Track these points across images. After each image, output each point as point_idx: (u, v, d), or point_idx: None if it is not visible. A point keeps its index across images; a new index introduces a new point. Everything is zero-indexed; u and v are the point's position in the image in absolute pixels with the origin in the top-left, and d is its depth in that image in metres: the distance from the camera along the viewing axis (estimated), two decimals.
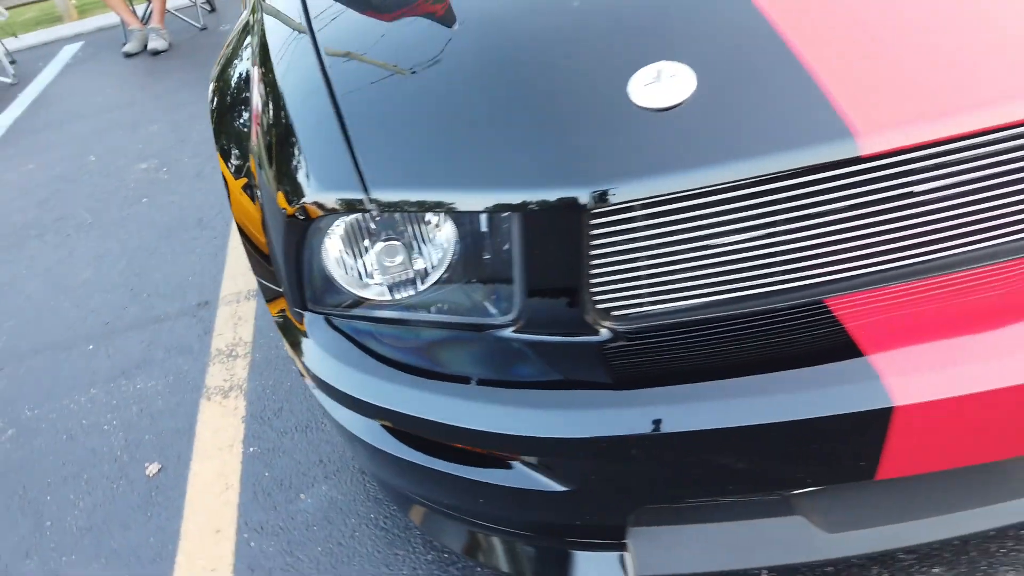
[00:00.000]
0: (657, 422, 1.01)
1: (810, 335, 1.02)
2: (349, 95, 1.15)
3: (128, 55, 5.62)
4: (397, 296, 1.18)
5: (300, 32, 1.36)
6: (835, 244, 1.01)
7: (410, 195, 1.02)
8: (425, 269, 1.14)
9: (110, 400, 2.23)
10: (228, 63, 1.70)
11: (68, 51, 6.24)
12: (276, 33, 1.44)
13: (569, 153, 0.96)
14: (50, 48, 6.44)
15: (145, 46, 5.59)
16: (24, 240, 3.34)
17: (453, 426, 1.08)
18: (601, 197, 0.93)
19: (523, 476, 1.10)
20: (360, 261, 1.16)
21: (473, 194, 0.98)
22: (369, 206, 1.04)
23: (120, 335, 2.52)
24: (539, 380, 1.07)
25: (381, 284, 1.17)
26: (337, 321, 1.21)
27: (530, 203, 0.96)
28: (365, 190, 1.04)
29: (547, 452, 1.03)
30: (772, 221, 0.99)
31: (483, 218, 1.05)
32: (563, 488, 1.09)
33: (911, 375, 0.96)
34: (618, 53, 1.01)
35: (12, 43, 6.51)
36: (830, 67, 0.95)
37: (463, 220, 1.07)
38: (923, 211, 0.99)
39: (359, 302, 1.19)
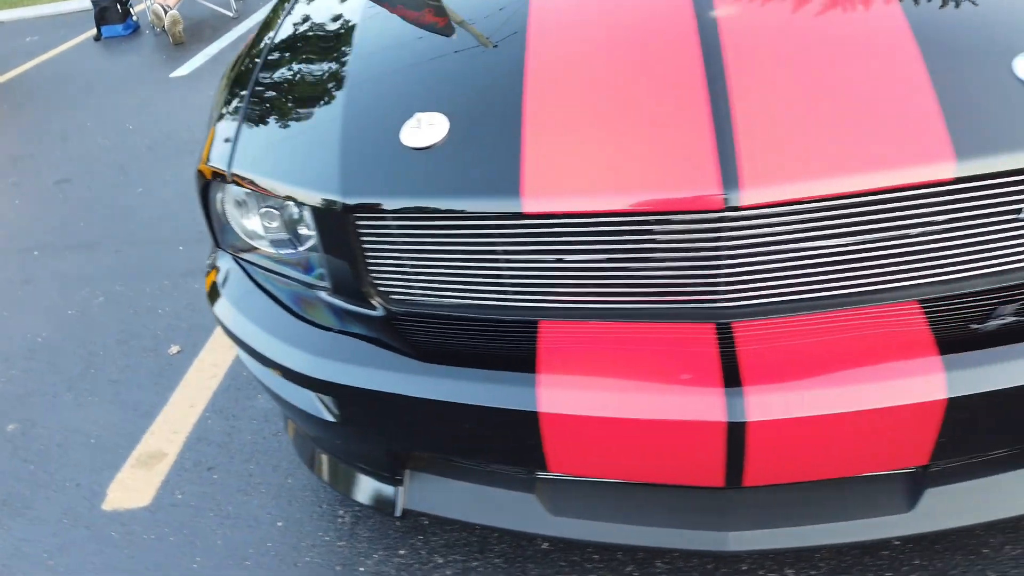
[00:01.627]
0: (388, 384, 1.31)
1: (515, 344, 1.28)
2: (257, 93, 1.52)
3: None
4: (279, 252, 1.55)
5: (271, 24, 1.75)
6: (548, 278, 1.26)
7: (253, 177, 1.38)
8: (299, 236, 1.50)
9: (173, 292, 2.81)
10: None
11: None
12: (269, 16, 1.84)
13: (347, 172, 1.28)
14: None
15: None
16: (182, 154, 4.06)
17: (259, 352, 1.45)
18: (359, 205, 1.25)
19: (311, 403, 1.45)
20: (249, 219, 1.54)
21: (285, 187, 1.33)
22: (229, 178, 1.42)
23: (205, 244, 3.10)
24: (349, 332, 1.40)
25: (266, 239, 1.55)
26: (243, 264, 1.60)
27: (316, 201, 1.30)
28: (229, 166, 1.42)
29: (307, 385, 1.38)
30: (490, 249, 1.25)
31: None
32: (331, 419, 1.42)
33: (558, 389, 1.20)
34: (403, 102, 1.31)
35: None
36: (540, 139, 1.19)
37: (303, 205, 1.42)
38: (600, 266, 1.21)
39: (252, 249, 1.57)
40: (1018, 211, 1.14)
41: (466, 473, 1.52)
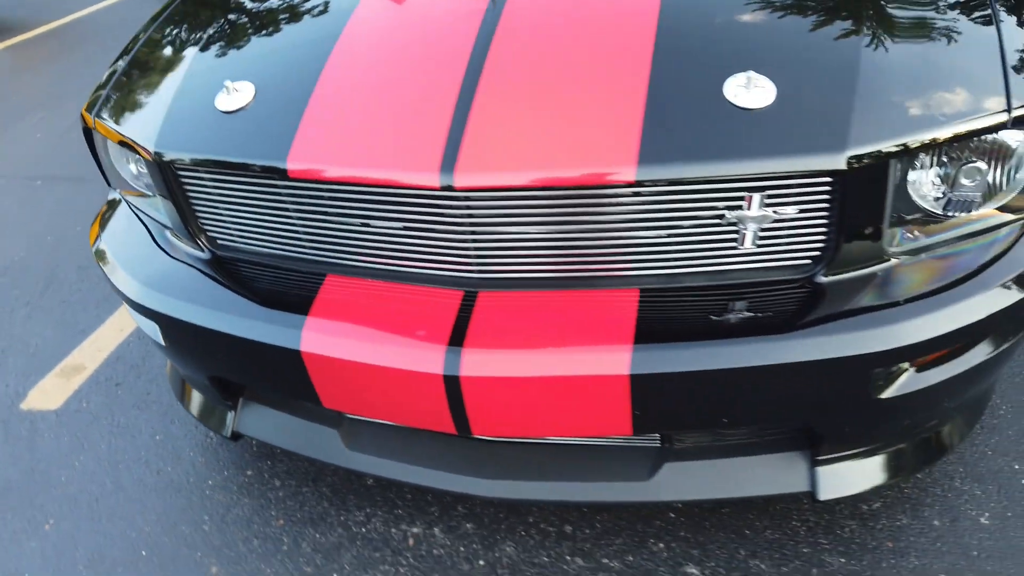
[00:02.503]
0: (190, 314, 1.50)
1: (302, 291, 1.46)
2: (136, 56, 1.73)
3: None
4: (151, 194, 1.76)
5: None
6: (326, 235, 1.43)
7: (108, 124, 1.59)
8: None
9: None
10: None
11: None
12: None
13: (166, 129, 1.47)
14: None
15: None
16: None
17: (110, 279, 1.66)
18: (173, 159, 1.45)
19: (151, 327, 1.66)
20: (131, 164, 1.76)
21: (126, 136, 1.53)
22: (92, 123, 1.63)
23: None
24: (193, 266, 1.60)
25: (141, 182, 1.76)
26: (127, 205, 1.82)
27: (140, 150, 1.49)
28: (96, 113, 1.63)
29: (136, 309, 1.58)
30: (282, 205, 1.43)
31: None
32: (162, 342, 1.63)
33: (317, 333, 1.37)
34: (224, 71, 1.49)
35: None
36: (319, 110, 1.36)
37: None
38: (376, 230, 1.38)
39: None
40: (721, 217, 1.26)
41: (286, 405, 1.72)
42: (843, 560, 1.57)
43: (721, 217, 1.26)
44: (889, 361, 1.25)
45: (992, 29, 1.34)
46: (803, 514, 1.67)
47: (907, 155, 1.20)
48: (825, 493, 1.45)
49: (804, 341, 1.24)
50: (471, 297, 1.38)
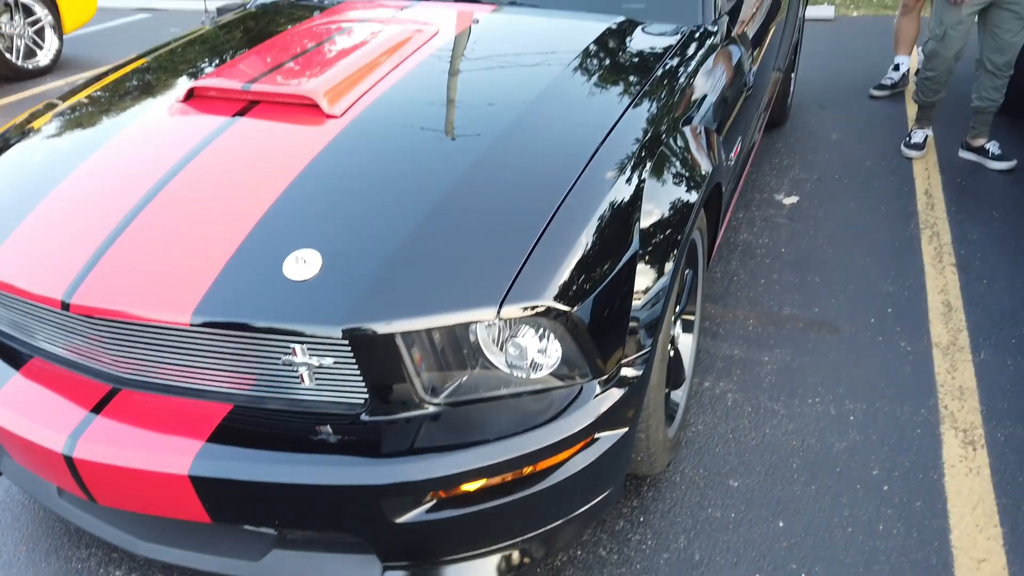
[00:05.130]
0: None
1: (11, 365, 1.84)
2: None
3: None
4: None
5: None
6: (27, 327, 1.82)
7: None
8: None
9: None
10: None
11: None
12: None
13: None
14: None
15: None
16: None
17: None
18: None
19: None
20: None
21: None
22: None
23: None
24: None
25: None
26: None
27: None
28: None
29: None
30: None
31: None
32: None
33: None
34: None
35: None
36: (30, 228, 1.75)
37: None
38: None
39: None
40: (279, 359, 1.58)
41: None
42: None
43: (279, 359, 1.58)
44: (391, 494, 1.53)
45: (538, 227, 1.63)
46: None
47: (407, 331, 1.50)
48: None
49: (327, 468, 1.54)
50: (115, 390, 1.73)
